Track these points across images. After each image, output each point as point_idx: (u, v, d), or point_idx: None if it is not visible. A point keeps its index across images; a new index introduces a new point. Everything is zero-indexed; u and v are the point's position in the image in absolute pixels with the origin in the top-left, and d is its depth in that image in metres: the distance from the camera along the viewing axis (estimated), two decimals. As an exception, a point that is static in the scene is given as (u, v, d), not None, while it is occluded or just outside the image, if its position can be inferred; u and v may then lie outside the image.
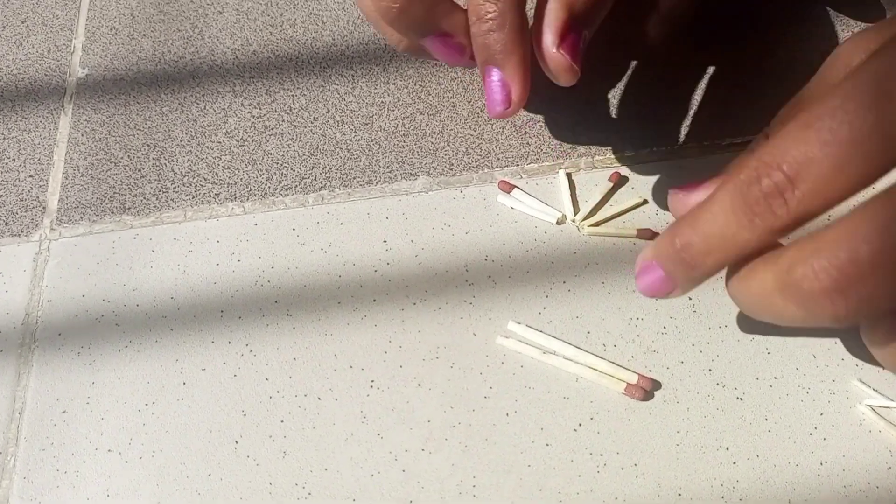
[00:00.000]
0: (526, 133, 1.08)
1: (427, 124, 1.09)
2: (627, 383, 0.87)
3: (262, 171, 1.06)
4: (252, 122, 1.11)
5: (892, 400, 0.87)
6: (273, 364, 0.92)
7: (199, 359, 0.93)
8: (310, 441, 0.87)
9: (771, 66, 1.13)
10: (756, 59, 1.14)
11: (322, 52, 1.17)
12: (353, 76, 1.15)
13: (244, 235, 1.01)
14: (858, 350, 0.90)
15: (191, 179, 1.06)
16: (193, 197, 1.05)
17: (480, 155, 1.06)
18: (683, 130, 1.07)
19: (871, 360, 0.90)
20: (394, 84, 1.14)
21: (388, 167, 1.06)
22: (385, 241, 1.00)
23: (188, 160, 1.08)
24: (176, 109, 1.13)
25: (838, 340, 0.91)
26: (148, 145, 1.10)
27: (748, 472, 0.84)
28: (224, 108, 1.12)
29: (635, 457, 0.85)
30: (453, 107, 1.11)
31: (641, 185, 1.03)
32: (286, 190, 1.04)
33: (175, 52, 1.20)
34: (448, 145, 1.07)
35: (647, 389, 0.87)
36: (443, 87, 1.13)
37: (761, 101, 1.10)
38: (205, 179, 1.06)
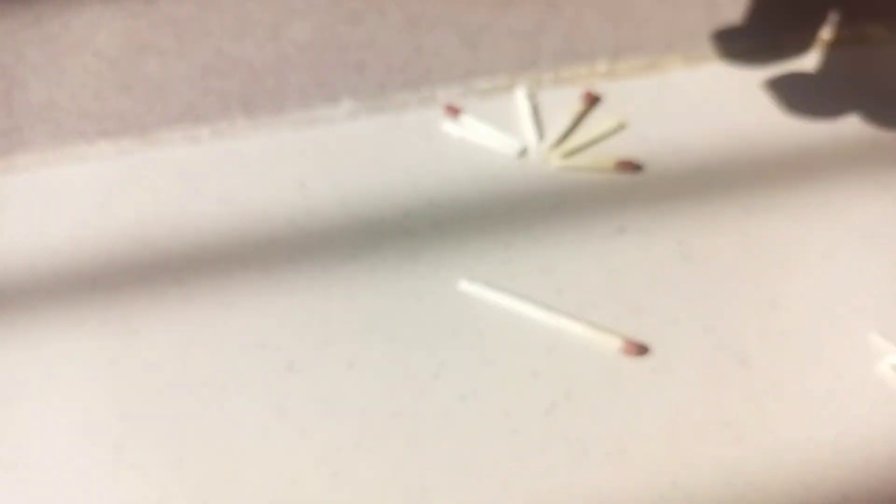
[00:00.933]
0: (475, 43, 0.88)
1: (351, 35, 0.88)
2: (623, 339, 0.72)
3: (140, 98, 0.84)
4: (127, 38, 0.87)
5: (918, 356, 0.74)
6: (162, 347, 0.72)
7: (67, 344, 0.73)
8: (212, 444, 0.69)
9: (768, -42, 0.95)
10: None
11: (215, -54, 0.93)
12: (255, -25, 0.92)
13: (120, 182, 0.79)
14: (877, 296, 0.76)
15: (50, 113, 0.84)
16: (54, 136, 0.82)
17: (419, 72, 0.86)
18: (666, 38, 0.89)
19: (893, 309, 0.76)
20: (308, -16, 0.91)
21: (302, 90, 0.85)
22: (302, 185, 0.80)
23: (46, 89, 0.85)
24: (30, 25, 0.89)
25: (854, 287, 0.77)
26: (-9, 70, 0.87)
27: (756, 451, 0.69)
28: (92, 22, 0.88)
29: (622, 441, 0.69)
30: (382, 12, 0.89)
31: (618, 104, 0.85)
32: (173, 122, 0.83)
33: (24, -51, 0.95)
34: (378, 60, 0.86)
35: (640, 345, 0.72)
36: (370, -13, 0.91)
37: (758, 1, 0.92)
38: (68, 113, 0.83)
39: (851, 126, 0.85)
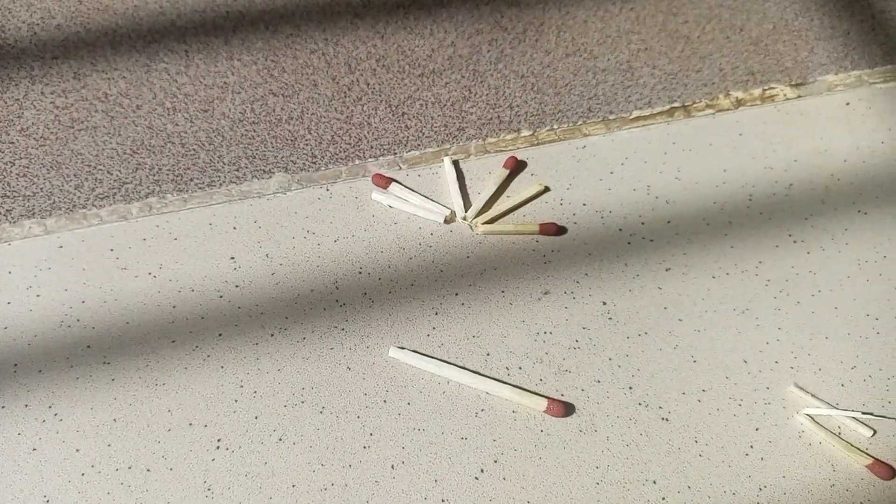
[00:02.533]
0: (404, 114, 0.90)
1: (282, 108, 0.89)
2: (549, 400, 0.73)
3: (69, 177, 0.83)
4: (56, 115, 0.87)
5: (831, 405, 0.76)
6: (86, 430, 0.71)
7: (-13, 430, 0.71)
8: (138, 528, 0.67)
9: (676, 27, 1.00)
10: (662, 14, 1.01)
11: (146, 23, 0.94)
12: (186, 51, 0.93)
13: (45, 262, 0.78)
14: (792, 349, 0.79)
15: (-26, 192, 0.83)
16: (-22, 215, 0.81)
17: (350, 143, 0.88)
18: (586, 103, 0.93)
19: (807, 361, 0.79)
20: (239, 60, 0.93)
21: (234, 164, 0.85)
22: (233, 258, 0.80)
23: (-28, 167, 0.84)
24: (-43, 101, 0.88)
25: (770, 341, 0.80)
26: (-85, 150, 0.85)
27: (680, 508, 0.71)
28: (18, 99, 0.88)
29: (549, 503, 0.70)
30: (314, 85, 0.91)
31: (542, 169, 0.88)
32: (101, 200, 0.82)
33: (-46, 28, 0.94)
34: (309, 133, 0.88)
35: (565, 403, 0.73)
36: (300, 61, 0.93)
37: (672, 64, 0.97)
38: (-7, 191, 0.83)
39: (763, 183, 0.89)
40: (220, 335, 0.75)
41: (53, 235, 0.80)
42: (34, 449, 0.70)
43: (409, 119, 0.89)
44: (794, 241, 0.86)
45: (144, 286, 0.78)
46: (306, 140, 0.87)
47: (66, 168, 0.84)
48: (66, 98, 0.88)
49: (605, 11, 1.00)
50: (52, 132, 0.86)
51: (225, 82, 0.90)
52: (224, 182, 0.84)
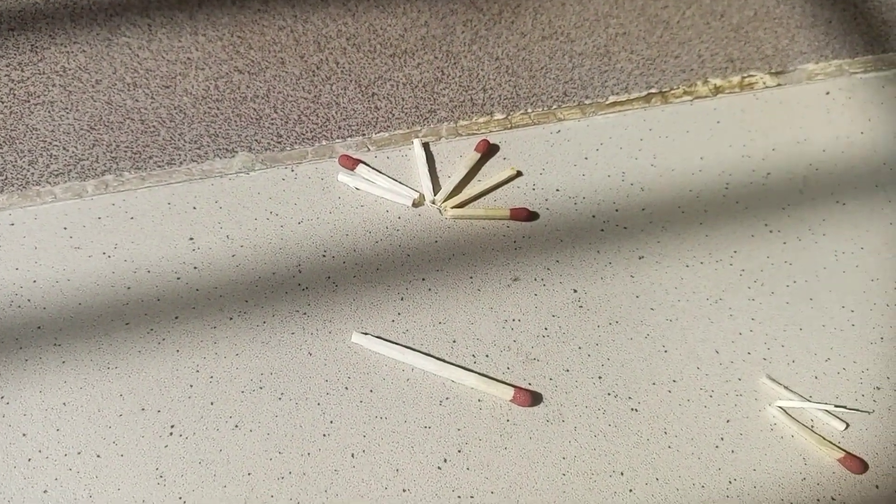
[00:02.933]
0: (374, 94, 0.88)
1: (248, 86, 0.86)
2: (516, 389, 0.71)
3: (22, 152, 0.80)
4: (11, 89, 0.84)
5: (803, 398, 0.75)
6: (34, 414, 0.68)
7: (-72, 414, 0.68)
8: (85, 517, 0.65)
9: (655, 11, 0.98)
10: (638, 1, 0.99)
11: (110, -4, 0.91)
12: (149, 25, 0.89)
13: (-5, 240, 0.75)
14: (765, 340, 0.78)
15: (-77, 166, 0.79)
16: (-74, 190, 0.78)
17: (317, 123, 0.85)
18: (561, 87, 0.90)
19: (780, 352, 0.77)
20: (203, 35, 0.90)
21: (196, 142, 0.82)
22: (192, 239, 0.77)
23: (-79, 141, 0.81)
24: None
25: (743, 331, 0.78)
26: None
27: (647, 501, 0.69)
28: (-26, 70, 0.85)
29: (514, 494, 0.68)
30: (282, 63, 0.88)
31: (514, 153, 0.86)
32: (56, 176, 0.79)
33: None
34: (275, 112, 0.85)
35: (533, 392, 0.71)
36: (268, 38, 0.90)
37: (650, 49, 0.95)
38: (-57, 166, 0.79)
39: (741, 171, 0.87)
40: (176, 318, 0.73)
41: (5, 212, 0.77)
42: (-23, 434, 0.67)
43: (379, 100, 0.87)
44: (771, 231, 0.84)
45: (98, 266, 0.75)
46: (272, 119, 0.85)
47: (20, 143, 0.81)
48: (23, 71, 0.85)
49: (584, -6, 0.98)
50: (6, 106, 0.83)
51: (188, 58, 0.87)
52: (185, 160, 0.81)
